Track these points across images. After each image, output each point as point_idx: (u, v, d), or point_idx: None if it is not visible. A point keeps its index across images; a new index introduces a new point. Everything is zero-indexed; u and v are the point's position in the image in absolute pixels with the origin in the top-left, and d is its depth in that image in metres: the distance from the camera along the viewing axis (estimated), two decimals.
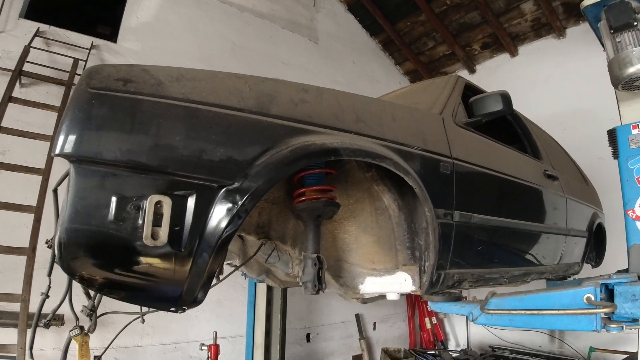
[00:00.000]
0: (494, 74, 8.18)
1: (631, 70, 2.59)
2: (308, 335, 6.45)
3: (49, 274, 2.26)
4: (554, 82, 7.30)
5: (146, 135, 1.44)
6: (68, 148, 1.36)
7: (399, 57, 9.27)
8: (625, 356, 5.02)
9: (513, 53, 8.01)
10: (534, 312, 2.21)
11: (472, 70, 8.61)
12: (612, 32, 2.73)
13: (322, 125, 1.84)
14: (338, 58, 8.18)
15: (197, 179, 1.49)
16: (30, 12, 4.89)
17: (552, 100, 7.13)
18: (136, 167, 1.42)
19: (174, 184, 1.46)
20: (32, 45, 4.61)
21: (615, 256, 4.16)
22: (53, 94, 4.64)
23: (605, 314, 2.13)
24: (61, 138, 1.37)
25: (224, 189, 1.51)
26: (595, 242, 4.63)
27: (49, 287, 2.34)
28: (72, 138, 1.37)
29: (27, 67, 4.47)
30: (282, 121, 1.71)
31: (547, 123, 4.82)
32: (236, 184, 1.52)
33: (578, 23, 7.10)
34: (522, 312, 2.25)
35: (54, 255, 1.96)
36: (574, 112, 6.87)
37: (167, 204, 1.43)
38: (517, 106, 3.41)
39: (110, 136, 1.40)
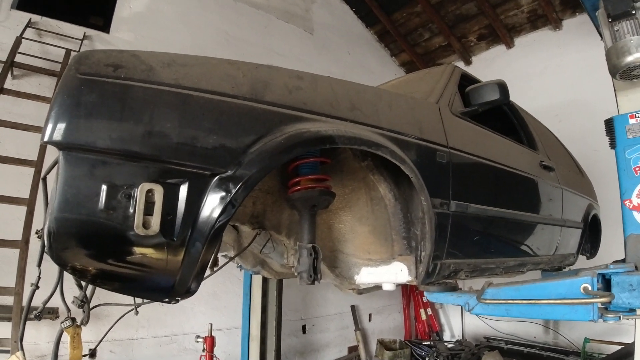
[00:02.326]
0: (489, 66, 8.17)
1: (629, 59, 2.57)
2: (304, 327, 6.45)
3: (39, 265, 2.22)
4: (550, 74, 7.30)
5: (137, 122, 1.40)
6: (57, 135, 1.33)
7: (394, 49, 9.23)
8: (619, 347, 5.05)
9: (509, 45, 7.99)
10: (530, 301, 2.20)
11: (467, 62, 8.59)
12: (610, 20, 2.70)
13: (317, 112, 1.81)
14: (333, 49, 8.13)
15: (190, 167, 1.45)
16: (22, 3, 4.81)
17: (548, 92, 7.13)
18: (127, 155, 1.38)
19: (165, 171, 1.43)
20: (24, 36, 4.54)
21: (610, 247, 4.17)
22: (45, 85, 4.58)
23: (602, 304, 2.12)
24: (50, 125, 1.33)
25: (217, 177, 1.48)
26: (590, 233, 4.63)
27: (39, 278, 2.30)
28: (61, 125, 1.34)
29: (18, 58, 4.39)
30: (276, 108, 1.67)
31: (542, 115, 4.81)
32: (229, 172, 1.49)
33: (574, 15, 7.10)
34: (519, 301, 2.24)
35: (43, 246, 1.93)
36: (570, 103, 6.88)
37: (158, 192, 1.40)
38: (513, 98, 3.40)
39: (100, 123, 1.37)
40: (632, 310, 2.25)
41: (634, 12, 2.65)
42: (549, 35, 7.50)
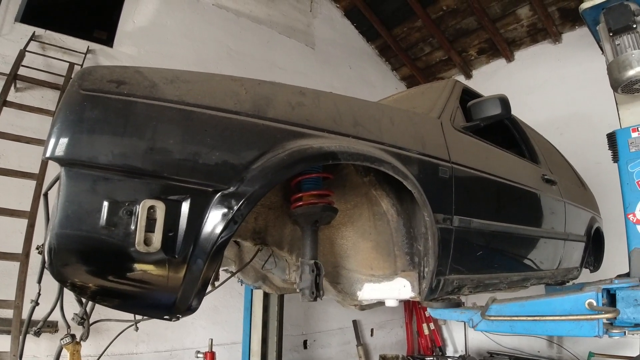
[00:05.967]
0: (490, 79, 8.19)
1: (631, 73, 2.58)
2: (305, 342, 6.38)
3: (39, 281, 2.21)
4: (550, 87, 7.31)
5: (139, 138, 1.40)
6: (59, 151, 1.33)
7: (395, 63, 9.27)
8: None
9: (509, 58, 8.02)
10: (535, 318, 2.18)
11: (468, 76, 8.62)
12: (611, 34, 2.71)
13: (320, 128, 1.81)
14: (335, 63, 8.17)
15: (192, 183, 1.45)
16: (26, 16, 4.86)
17: (549, 105, 7.14)
18: (129, 171, 1.38)
19: (167, 188, 1.42)
20: (27, 49, 4.57)
21: (613, 261, 4.15)
22: (48, 98, 4.60)
23: (608, 319, 2.09)
24: (52, 141, 1.33)
25: (219, 193, 1.47)
26: (594, 246, 4.60)
27: (39, 294, 2.29)
28: (63, 141, 1.33)
29: (22, 71, 4.42)
30: (278, 124, 1.67)
31: (543, 128, 4.81)
32: (232, 189, 1.48)
33: (574, 28, 7.13)
34: (524, 318, 2.22)
35: (44, 262, 1.92)
36: (571, 117, 6.88)
37: (160, 209, 1.39)
38: (513, 111, 3.40)
39: (102, 139, 1.36)
40: (637, 325, 2.23)
41: (635, 26, 2.66)
42: (549, 49, 7.54)
